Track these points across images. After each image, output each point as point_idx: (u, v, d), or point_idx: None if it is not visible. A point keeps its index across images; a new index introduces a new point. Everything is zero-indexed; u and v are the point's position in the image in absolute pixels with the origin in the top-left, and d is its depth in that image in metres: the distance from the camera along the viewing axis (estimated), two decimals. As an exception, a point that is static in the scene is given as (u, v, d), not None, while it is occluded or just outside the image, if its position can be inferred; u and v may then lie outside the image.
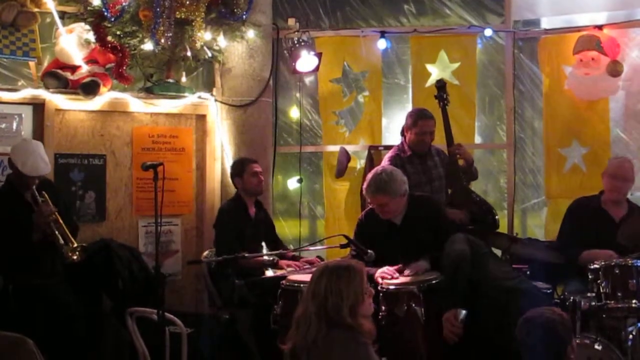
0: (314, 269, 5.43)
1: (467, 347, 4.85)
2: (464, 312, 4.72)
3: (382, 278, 5.18)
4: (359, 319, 3.76)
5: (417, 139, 6.19)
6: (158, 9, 6.10)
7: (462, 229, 5.63)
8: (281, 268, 5.97)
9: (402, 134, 6.38)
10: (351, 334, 3.72)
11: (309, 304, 3.79)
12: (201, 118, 6.98)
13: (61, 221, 5.39)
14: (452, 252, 4.96)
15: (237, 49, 6.97)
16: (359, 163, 7.47)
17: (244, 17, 6.71)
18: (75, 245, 5.38)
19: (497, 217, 6.36)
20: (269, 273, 5.89)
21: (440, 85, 6.40)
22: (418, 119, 6.20)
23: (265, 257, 6.01)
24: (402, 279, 5.16)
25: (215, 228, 6.29)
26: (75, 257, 5.36)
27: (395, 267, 5.30)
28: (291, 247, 6.87)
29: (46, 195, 5.43)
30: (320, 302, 3.73)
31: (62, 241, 5.35)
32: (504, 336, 4.36)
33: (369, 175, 5.57)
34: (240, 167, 6.33)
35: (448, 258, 4.97)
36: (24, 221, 5.32)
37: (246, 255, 5.53)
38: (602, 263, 4.87)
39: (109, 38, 6.32)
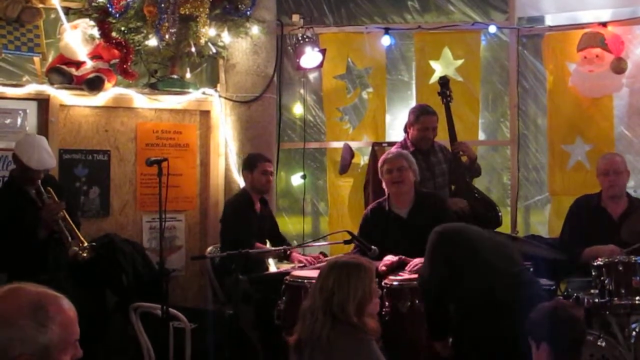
0: (319, 265, 5.49)
1: (469, 344, 4.86)
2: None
3: (385, 266, 5.22)
4: (365, 317, 3.76)
5: (420, 134, 6.22)
6: (162, 5, 6.11)
7: (464, 220, 5.67)
8: (292, 261, 6.01)
9: (405, 130, 6.41)
10: (355, 331, 3.72)
11: (316, 298, 3.79)
12: (205, 114, 6.99)
13: (69, 218, 5.40)
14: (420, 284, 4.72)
15: (242, 45, 6.97)
16: (363, 159, 7.48)
17: (248, 13, 6.71)
18: (85, 244, 5.38)
19: (500, 213, 6.38)
20: (273, 269, 5.90)
21: (444, 82, 6.43)
22: (420, 115, 6.24)
23: (271, 253, 6.03)
24: (405, 275, 5.17)
25: (222, 222, 6.30)
26: (85, 255, 5.36)
27: (396, 257, 5.33)
28: (295, 242, 6.88)
29: (51, 191, 5.44)
30: (327, 297, 3.73)
31: (70, 238, 5.35)
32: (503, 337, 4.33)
33: (386, 153, 5.79)
34: (252, 162, 6.32)
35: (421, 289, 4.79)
36: (28, 217, 5.32)
37: (250, 251, 5.54)
38: (606, 260, 4.87)
39: (114, 34, 6.33)
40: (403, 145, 6.31)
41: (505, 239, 5.02)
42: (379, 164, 5.71)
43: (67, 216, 5.40)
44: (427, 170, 6.18)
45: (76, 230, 5.40)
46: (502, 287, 4.28)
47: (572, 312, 3.63)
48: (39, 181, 5.39)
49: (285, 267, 5.94)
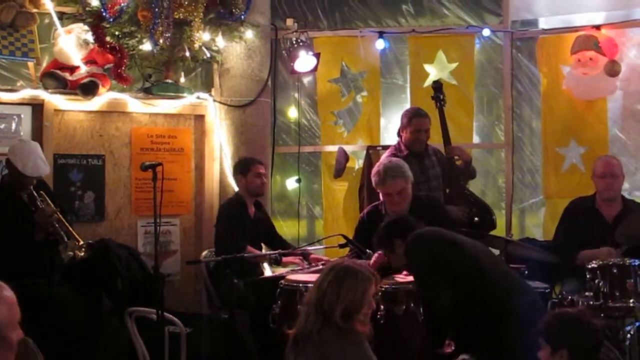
0: (314, 269, 5.49)
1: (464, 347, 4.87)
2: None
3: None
4: (351, 322, 3.76)
5: (413, 137, 6.23)
6: (157, 10, 6.11)
7: (461, 228, 5.67)
8: (284, 265, 5.99)
9: (399, 134, 6.41)
10: (343, 334, 3.74)
11: (312, 294, 3.83)
12: (200, 118, 6.99)
13: (63, 219, 5.40)
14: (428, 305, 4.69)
15: (236, 50, 6.98)
16: (358, 163, 7.47)
17: (243, 17, 6.73)
18: (81, 243, 5.39)
19: (494, 217, 6.38)
20: (268, 273, 5.90)
21: (437, 86, 6.45)
22: (412, 118, 6.26)
23: (265, 257, 6.03)
24: (400, 279, 5.17)
25: (217, 227, 6.30)
26: (82, 254, 5.37)
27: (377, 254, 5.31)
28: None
29: (44, 194, 5.44)
30: (320, 295, 3.77)
31: (66, 239, 5.36)
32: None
33: (378, 168, 5.60)
34: (245, 166, 6.31)
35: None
36: (23, 222, 5.32)
37: (245, 255, 5.54)
38: (600, 262, 4.88)
39: (108, 39, 6.33)
40: (397, 148, 6.31)
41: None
42: (374, 179, 5.61)
43: (61, 217, 5.41)
44: (420, 174, 6.17)
45: (72, 231, 5.41)
46: (511, 297, 4.33)
47: (594, 322, 3.65)
48: (31, 186, 5.40)
49: (280, 270, 5.94)
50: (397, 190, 5.50)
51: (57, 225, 5.37)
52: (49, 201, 5.42)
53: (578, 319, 3.63)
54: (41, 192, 5.45)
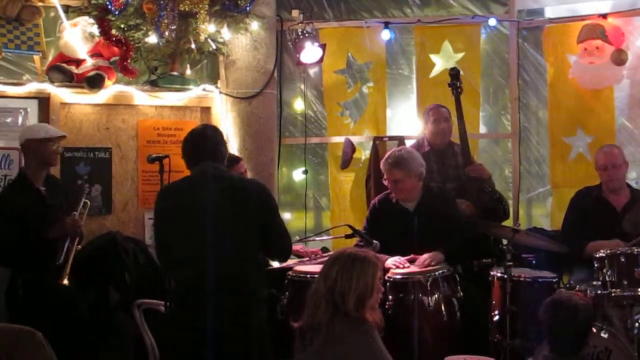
0: (322, 259, 5.50)
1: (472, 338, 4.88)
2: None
3: (395, 267, 5.22)
4: (364, 311, 3.76)
5: (435, 127, 6.32)
6: (162, 2, 6.12)
7: (470, 221, 5.68)
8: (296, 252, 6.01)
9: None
10: (353, 323, 3.74)
11: (320, 284, 3.82)
12: (206, 110, 6.99)
13: (75, 245, 5.43)
14: None
15: (241, 41, 6.97)
16: (364, 154, 7.47)
17: (248, 9, 6.71)
18: (65, 281, 5.37)
19: (507, 207, 6.38)
20: (275, 264, 5.90)
21: (454, 73, 6.44)
22: (431, 109, 6.37)
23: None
24: (410, 269, 5.18)
25: None
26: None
27: (407, 257, 5.33)
28: (297, 238, 6.88)
29: (88, 206, 5.61)
30: (330, 286, 3.76)
31: (60, 261, 5.34)
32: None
33: (390, 151, 5.72)
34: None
35: None
36: (37, 215, 5.31)
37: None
38: (608, 251, 4.87)
39: (113, 31, 6.33)
40: (419, 143, 6.35)
41: None
42: (382, 162, 5.71)
43: (75, 242, 5.43)
44: (437, 174, 6.17)
45: (69, 261, 5.40)
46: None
47: (581, 304, 3.65)
48: (45, 176, 5.42)
49: (287, 261, 5.94)
50: (393, 179, 5.54)
51: (67, 242, 5.37)
52: (84, 216, 5.52)
53: (559, 300, 3.66)
54: (86, 201, 5.58)
